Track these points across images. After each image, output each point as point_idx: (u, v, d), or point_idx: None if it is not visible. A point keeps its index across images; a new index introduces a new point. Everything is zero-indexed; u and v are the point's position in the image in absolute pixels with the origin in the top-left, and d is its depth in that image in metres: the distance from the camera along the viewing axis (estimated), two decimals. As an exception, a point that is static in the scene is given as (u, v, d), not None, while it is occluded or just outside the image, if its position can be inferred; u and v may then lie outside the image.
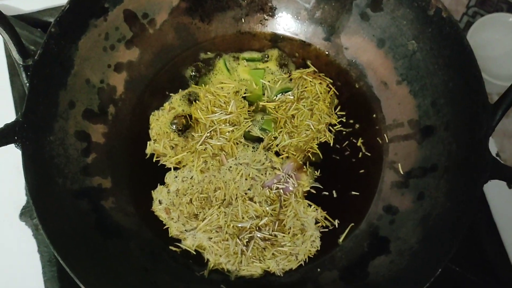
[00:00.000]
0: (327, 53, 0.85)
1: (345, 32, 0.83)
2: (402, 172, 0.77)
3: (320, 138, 0.80)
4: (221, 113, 0.79)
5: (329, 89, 0.82)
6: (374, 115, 0.82)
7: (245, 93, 0.82)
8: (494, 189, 0.82)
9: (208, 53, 0.85)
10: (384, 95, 0.82)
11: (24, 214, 0.79)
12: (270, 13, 0.86)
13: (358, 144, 0.80)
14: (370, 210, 0.77)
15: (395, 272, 0.69)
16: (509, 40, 1.27)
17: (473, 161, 0.67)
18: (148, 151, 0.79)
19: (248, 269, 0.73)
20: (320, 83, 0.82)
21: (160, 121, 0.80)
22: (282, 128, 0.80)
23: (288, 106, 0.81)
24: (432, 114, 0.75)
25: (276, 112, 0.81)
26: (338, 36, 0.84)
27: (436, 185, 0.71)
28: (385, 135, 0.80)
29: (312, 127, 0.79)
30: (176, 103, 0.81)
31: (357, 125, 0.81)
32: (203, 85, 0.82)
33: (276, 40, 0.86)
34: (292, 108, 0.80)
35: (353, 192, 0.77)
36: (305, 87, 0.82)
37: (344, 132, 0.81)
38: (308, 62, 0.85)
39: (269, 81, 0.83)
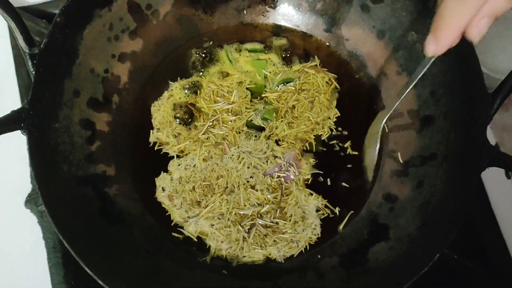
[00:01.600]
0: (328, 44, 0.87)
1: (345, 24, 0.84)
2: (401, 161, 0.78)
3: (319, 131, 0.81)
4: (224, 102, 0.80)
5: (331, 83, 0.83)
6: (374, 106, 0.83)
7: (249, 84, 0.83)
8: (492, 178, 0.83)
9: (211, 42, 0.86)
10: (384, 85, 0.83)
11: (29, 201, 0.80)
12: (272, 5, 0.87)
13: (346, 145, 0.80)
14: (370, 198, 0.78)
15: (394, 258, 0.70)
16: (508, 34, 1.28)
17: (471, 149, 0.68)
18: (151, 139, 0.80)
19: (250, 255, 0.74)
20: (323, 77, 0.83)
21: (162, 111, 0.81)
22: (282, 118, 0.81)
23: (289, 97, 0.82)
24: (431, 104, 0.76)
25: (278, 102, 0.82)
26: (339, 28, 0.85)
27: (435, 173, 0.73)
28: (385, 124, 0.81)
29: (312, 119, 0.81)
30: (175, 91, 0.82)
31: (345, 132, 0.82)
32: (203, 77, 0.83)
33: (278, 31, 0.87)
34: (292, 99, 0.81)
35: (344, 184, 0.78)
36: (308, 79, 0.83)
37: (334, 131, 0.82)
38: (316, 58, 0.85)
39: (270, 72, 0.84)
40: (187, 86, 0.83)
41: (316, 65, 0.85)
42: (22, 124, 0.64)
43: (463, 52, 0.71)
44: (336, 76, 0.84)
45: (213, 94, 0.81)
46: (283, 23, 0.88)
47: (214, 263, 0.74)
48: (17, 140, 0.71)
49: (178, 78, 0.83)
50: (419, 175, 0.75)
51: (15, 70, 0.86)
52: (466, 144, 0.69)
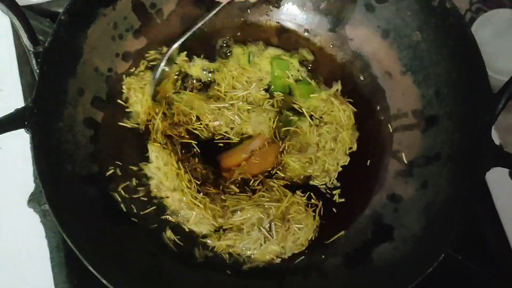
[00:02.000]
0: (332, 44, 0.86)
1: (350, 23, 0.84)
2: (406, 161, 0.78)
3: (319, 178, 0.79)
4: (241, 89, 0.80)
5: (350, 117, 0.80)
6: (378, 106, 0.83)
7: (268, 84, 0.82)
8: (496, 179, 0.83)
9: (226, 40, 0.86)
10: (389, 85, 0.83)
11: (32, 200, 0.80)
12: (276, 4, 0.87)
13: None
14: (374, 198, 0.78)
15: (399, 259, 0.70)
16: (511, 35, 1.27)
17: (476, 149, 0.68)
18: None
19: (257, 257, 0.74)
20: (345, 109, 0.80)
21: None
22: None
23: (309, 131, 0.79)
24: (435, 104, 0.76)
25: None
26: (343, 27, 0.85)
27: (439, 173, 0.72)
28: (389, 125, 0.81)
29: (326, 165, 0.78)
30: (194, 67, 0.83)
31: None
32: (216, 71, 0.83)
33: (282, 31, 0.87)
34: (315, 134, 0.79)
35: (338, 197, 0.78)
36: (331, 111, 0.80)
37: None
38: (339, 83, 0.83)
39: (292, 75, 0.82)
40: (207, 69, 0.83)
41: (337, 89, 0.82)
42: (26, 123, 0.64)
43: (468, 52, 0.71)
44: (356, 110, 0.81)
45: (232, 79, 0.81)
46: (287, 22, 0.87)
47: (217, 263, 0.74)
48: (21, 139, 0.72)
49: (202, 55, 0.83)
50: (423, 175, 0.75)
51: (18, 69, 0.86)
52: (471, 144, 0.69)
